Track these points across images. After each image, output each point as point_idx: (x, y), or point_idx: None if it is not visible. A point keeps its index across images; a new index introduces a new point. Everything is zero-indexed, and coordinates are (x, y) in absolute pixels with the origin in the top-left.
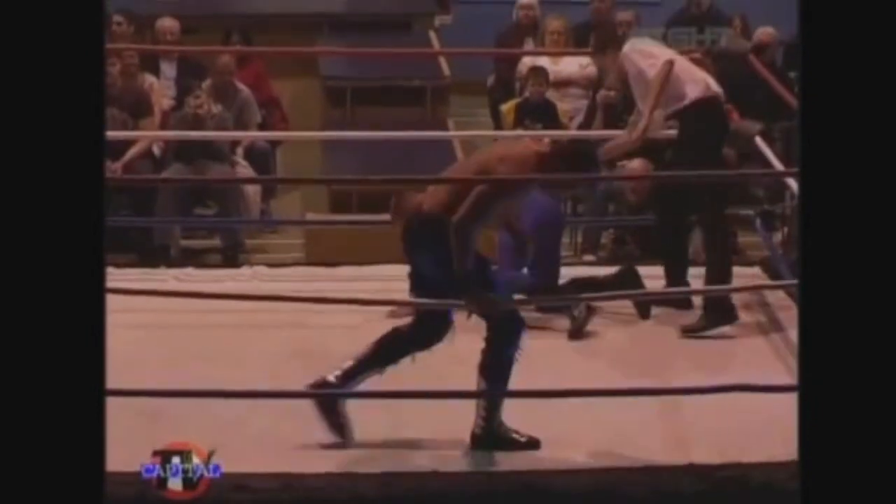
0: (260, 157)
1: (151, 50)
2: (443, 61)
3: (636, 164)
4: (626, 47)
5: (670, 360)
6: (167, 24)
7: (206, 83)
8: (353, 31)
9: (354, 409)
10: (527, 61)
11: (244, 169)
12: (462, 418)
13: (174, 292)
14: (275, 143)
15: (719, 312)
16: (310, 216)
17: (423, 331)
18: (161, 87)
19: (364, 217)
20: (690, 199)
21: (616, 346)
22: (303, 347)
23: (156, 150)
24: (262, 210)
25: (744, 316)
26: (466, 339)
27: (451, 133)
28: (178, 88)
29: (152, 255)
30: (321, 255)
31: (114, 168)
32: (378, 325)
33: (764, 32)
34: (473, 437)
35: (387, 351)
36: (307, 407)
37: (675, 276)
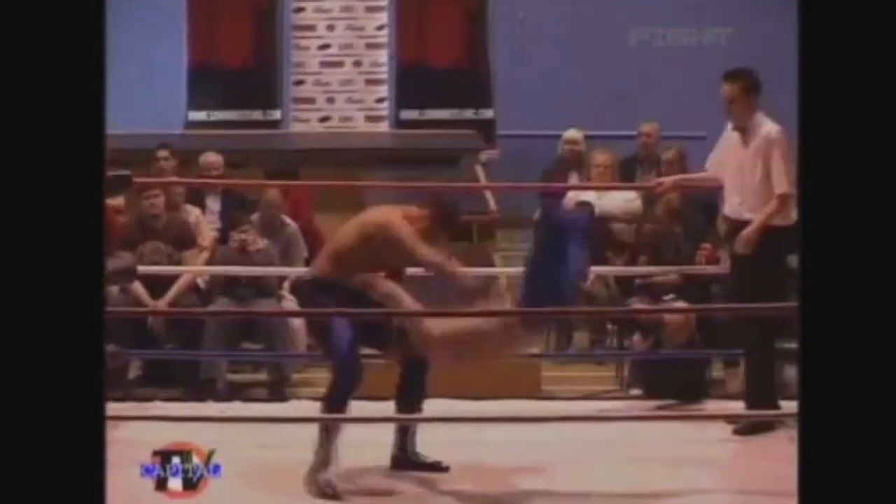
0: None
1: (196, 184)
2: (489, 196)
3: (680, 305)
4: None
5: None
6: (211, 159)
7: (255, 216)
8: (399, 166)
9: None
10: (572, 196)
11: (291, 303)
12: None
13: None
14: None
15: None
16: None
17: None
18: (205, 221)
19: None
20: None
21: None
22: None
23: (201, 283)
24: (308, 344)
25: None
26: None
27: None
28: (224, 222)
29: (199, 388)
30: (368, 389)
31: (155, 304)
32: None
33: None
34: (394, 459)
35: (331, 409)
36: None
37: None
